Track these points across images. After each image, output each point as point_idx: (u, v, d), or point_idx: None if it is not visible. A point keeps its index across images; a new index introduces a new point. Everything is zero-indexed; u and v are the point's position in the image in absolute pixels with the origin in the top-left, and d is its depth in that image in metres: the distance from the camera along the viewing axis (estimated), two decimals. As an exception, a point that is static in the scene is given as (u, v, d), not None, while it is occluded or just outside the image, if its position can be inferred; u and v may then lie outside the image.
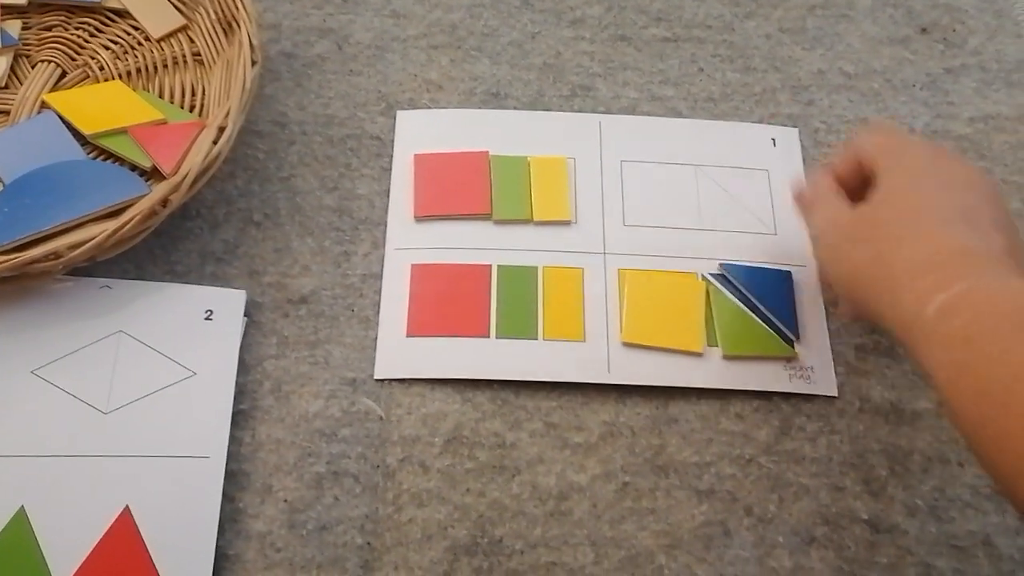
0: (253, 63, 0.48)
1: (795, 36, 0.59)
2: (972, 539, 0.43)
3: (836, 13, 0.60)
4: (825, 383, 0.47)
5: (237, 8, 0.51)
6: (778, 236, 0.51)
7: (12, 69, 0.53)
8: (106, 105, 0.51)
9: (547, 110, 0.55)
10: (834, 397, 0.47)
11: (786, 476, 0.45)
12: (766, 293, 0.49)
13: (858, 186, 0.44)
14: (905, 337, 0.37)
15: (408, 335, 0.47)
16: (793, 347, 0.48)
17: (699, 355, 0.47)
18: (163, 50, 0.54)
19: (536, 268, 0.50)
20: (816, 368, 0.47)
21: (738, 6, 0.60)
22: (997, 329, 0.34)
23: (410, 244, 0.50)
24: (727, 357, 0.47)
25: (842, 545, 0.43)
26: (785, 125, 0.55)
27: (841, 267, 0.42)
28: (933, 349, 0.35)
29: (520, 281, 0.49)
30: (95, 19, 0.55)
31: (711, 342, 0.48)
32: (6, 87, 0.53)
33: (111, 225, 0.43)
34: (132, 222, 0.43)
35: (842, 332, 0.48)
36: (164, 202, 0.45)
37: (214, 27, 0.54)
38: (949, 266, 0.37)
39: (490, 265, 0.49)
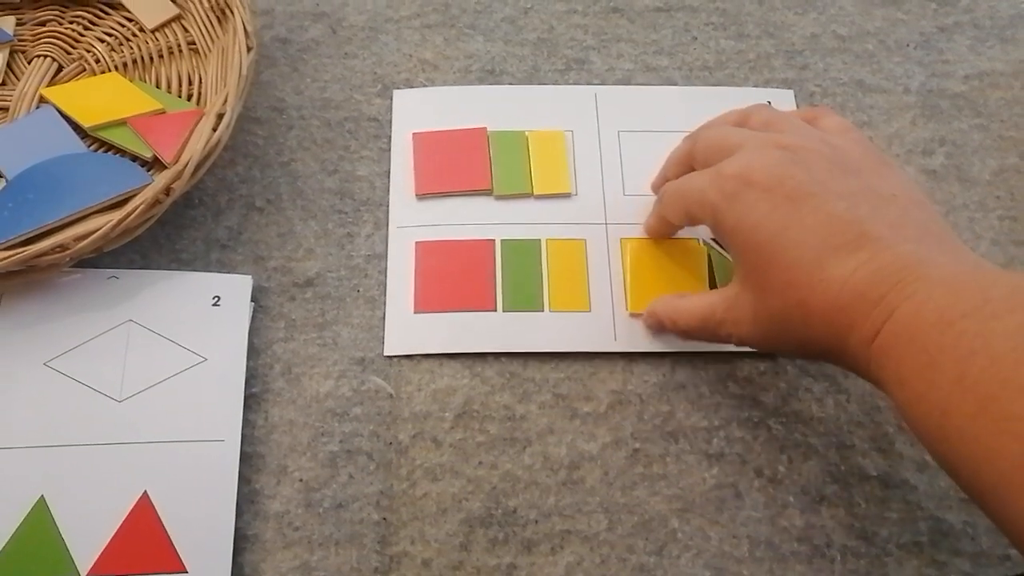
0: (248, 49, 0.49)
1: (787, 1, 0.59)
2: (981, 491, 0.44)
3: (828, -24, 0.61)
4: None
5: (230, -5, 0.51)
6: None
7: (8, 65, 0.53)
8: (104, 97, 0.51)
9: (542, 85, 0.56)
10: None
11: (794, 437, 0.45)
12: None
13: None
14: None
15: (416, 311, 0.48)
16: None
17: None
18: (158, 40, 0.54)
19: (539, 241, 0.50)
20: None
21: (729, -27, 0.61)
22: (915, 367, 0.33)
23: (413, 222, 0.50)
24: None
25: (852, 502, 0.44)
26: (780, 89, 0.56)
27: (780, 352, 0.43)
28: (887, 394, 0.36)
29: (524, 255, 0.49)
30: (89, 12, 0.55)
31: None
32: (3, 83, 0.53)
33: (116, 216, 0.43)
34: (136, 212, 0.44)
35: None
36: (167, 191, 0.45)
37: (207, 15, 0.54)
38: (861, 314, 0.35)
39: (493, 240, 0.50)
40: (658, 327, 0.47)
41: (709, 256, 0.49)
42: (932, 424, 0.33)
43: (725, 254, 0.49)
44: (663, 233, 0.49)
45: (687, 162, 0.46)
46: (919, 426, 0.34)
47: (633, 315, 0.48)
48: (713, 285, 0.49)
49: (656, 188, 0.49)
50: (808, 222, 0.37)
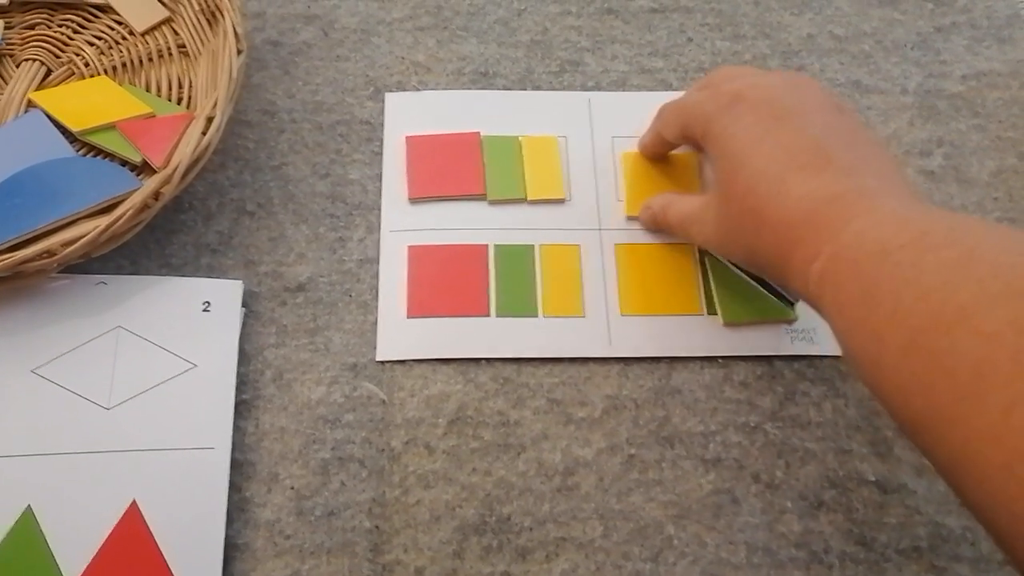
0: (239, 52, 0.48)
1: (783, 1, 0.59)
2: (980, 496, 0.43)
3: (823, -24, 0.60)
4: (828, 343, 0.47)
5: (220, -3, 0.51)
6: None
7: (-3, 69, 0.53)
8: (93, 101, 0.51)
9: (536, 87, 0.55)
10: (838, 358, 0.46)
11: (792, 441, 0.44)
12: (764, 281, 0.48)
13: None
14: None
15: (408, 316, 0.47)
16: (793, 309, 0.47)
17: (698, 317, 0.47)
18: (147, 43, 0.54)
19: (533, 246, 0.49)
20: (818, 329, 0.47)
21: (724, -26, 0.60)
22: (853, 295, 0.34)
23: (405, 226, 0.50)
24: (728, 324, 0.47)
25: (851, 507, 0.43)
26: (777, 91, 0.55)
27: (732, 258, 0.45)
28: (825, 319, 0.36)
29: (517, 260, 0.49)
30: (78, 15, 0.55)
31: (711, 311, 0.48)
32: (-8, 88, 0.52)
33: (104, 221, 0.43)
34: (125, 217, 0.43)
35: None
36: (156, 195, 0.44)
37: (198, 18, 0.53)
38: (809, 233, 0.36)
39: (487, 245, 0.49)
40: (651, 220, 0.49)
41: (703, 260, 0.49)
42: (867, 354, 0.33)
43: (722, 259, 0.49)
44: (657, 151, 0.51)
45: (659, 138, 0.50)
46: (855, 354, 0.34)
47: (626, 315, 0.47)
48: (708, 291, 0.48)
49: (641, 149, 0.52)
50: (783, 140, 0.39)
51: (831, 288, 0.35)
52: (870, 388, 0.34)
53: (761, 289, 0.48)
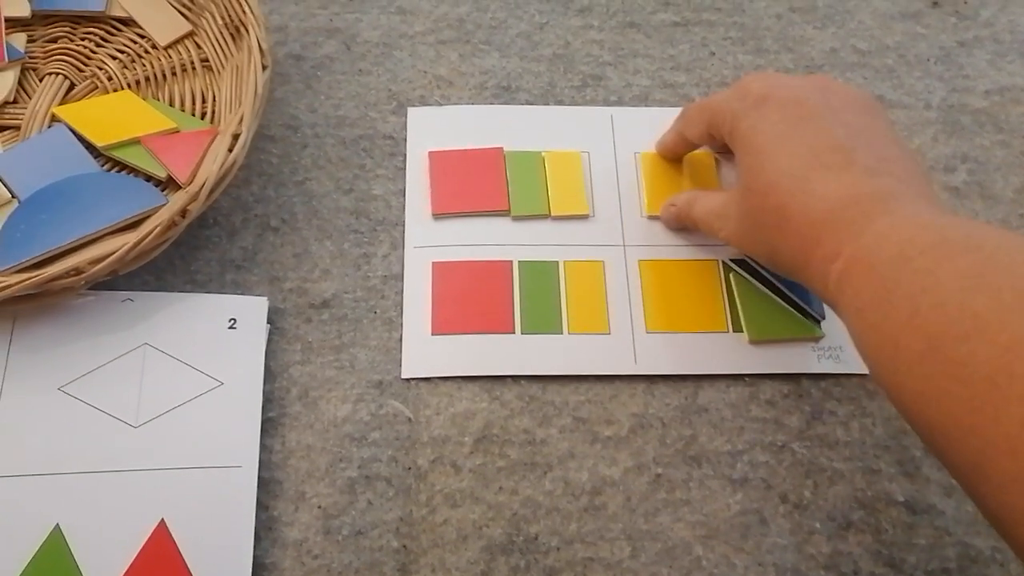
0: (264, 68, 0.48)
1: (806, 15, 0.59)
2: (1009, 516, 0.43)
3: (846, -10, 0.60)
4: (855, 361, 0.47)
5: (244, 12, 0.50)
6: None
7: (20, 83, 0.53)
8: (117, 116, 0.51)
9: (559, 101, 0.55)
10: (865, 376, 0.46)
11: (820, 461, 0.44)
12: (781, 284, 0.48)
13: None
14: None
15: (433, 333, 0.47)
16: (819, 327, 0.47)
17: (724, 335, 0.47)
18: (171, 57, 0.54)
19: (557, 263, 0.49)
20: (844, 347, 0.47)
21: (747, -13, 0.60)
22: (871, 298, 0.34)
23: (429, 242, 0.50)
24: (754, 342, 0.47)
25: (879, 528, 0.43)
26: (800, 106, 0.55)
27: (754, 255, 0.44)
28: (843, 320, 0.37)
29: (542, 276, 0.49)
30: (100, 29, 0.55)
31: (736, 328, 0.47)
32: (15, 101, 0.52)
33: (132, 238, 0.43)
34: (152, 234, 0.43)
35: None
36: (183, 213, 0.44)
37: (221, 32, 0.53)
38: (830, 232, 0.37)
39: (511, 261, 0.49)
40: (675, 217, 0.49)
41: (728, 278, 0.49)
42: (884, 356, 0.33)
43: (746, 276, 0.49)
44: (677, 152, 0.52)
45: (680, 137, 0.50)
46: (872, 356, 0.35)
47: (651, 332, 0.47)
48: (733, 307, 0.48)
49: (660, 149, 0.53)
50: (807, 139, 0.39)
51: (850, 290, 0.36)
52: (886, 392, 0.35)
53: (787, 307, 0.48)
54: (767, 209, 0.40)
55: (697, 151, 0.52)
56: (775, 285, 0.48)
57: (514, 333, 0.47)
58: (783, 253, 0.40)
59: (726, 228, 0.44)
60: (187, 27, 0.54)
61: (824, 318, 0.48)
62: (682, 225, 0.50)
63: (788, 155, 0.39)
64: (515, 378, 0.46)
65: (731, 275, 0.49)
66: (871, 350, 0.35)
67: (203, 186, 0.44)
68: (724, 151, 0.51)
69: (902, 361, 0.32)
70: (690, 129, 0.48)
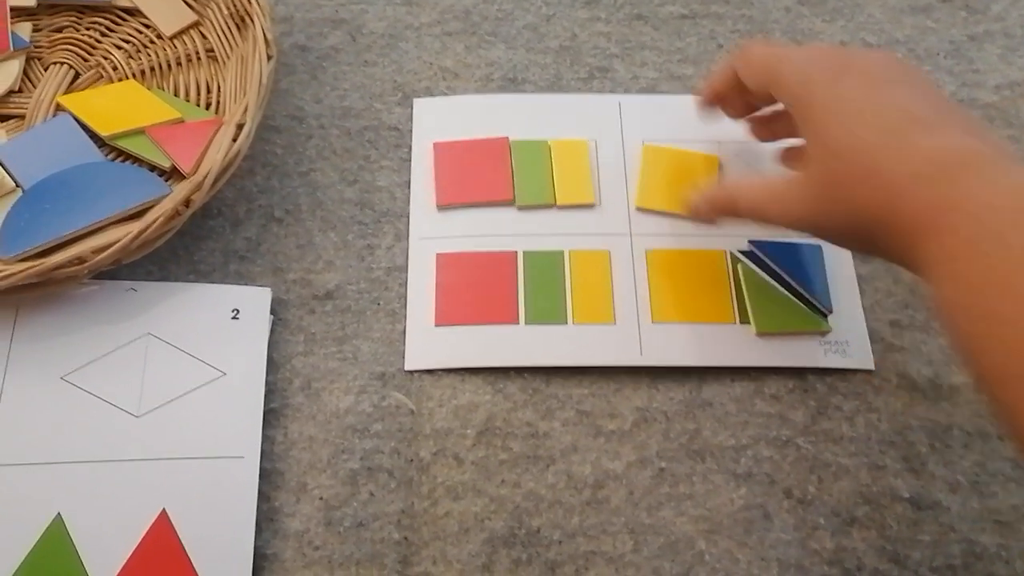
0: (269, 58, 0.48)
1: (815, 8, 0.58)
2: (1015, 514, 0.43)
3: (856, -17, 0.60)
4: (861, 356, 0.46)
5: (250, 3, 0.50)
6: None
7: (25, 72, 0.53)
8: (122, 105, 0.51)
9: (565, 93, 0.55)
10: (871, 372, 0.46)
11: (824, 456, 0.44)
12: (797, 268, 0.48)
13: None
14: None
15: (437, 324, 0.47)
16: (827, 321, 0.47)
17: (731, 326, 0.47)
18: (176, 47, 0.54)
19: (562, 252, 0.49)
20: (851, 342, 0.47)
21: (755, -21, 0.60)
22: (981, 243, 0.33)
23: (434, 233, 0.49)
24: (760, 334, 0.47)
25: (884, 524, 0.43)
26: (808, 99, 0.55)
27: (824, 228, 0.41)
28: (931, 277, 0.35)
29: (547, 266, 0.49)
30: (106, 18, 0.55)
31: (743, 319, 0.47)
32: (20, 90, 0.52)
33: (135, 227, 0.43)
34: (156, 223, 0.43)
35: (876, 308, 0.48)
36: (187, 202, 0.44)
37: (226, 22, 0.53)
38: (934, 185, 0.35)
39: (516, 251, 0.49)
40: (712, 207, 0.46)
41: (736, 268, 0.48)
42: (989, 303, 0.32)
43: (754, 268, 0.48)
44: (724, 94, 0.48)
45: (732, 79, 0.46)
46: (962, 303, 0.33)
47: (657, 323, 0.47)
48: (740, 297, 0.48)
49: (705, 95, 0.49)
50: (899, 101, 0.38)
51: (951, 241, 0.34)
52: (967, 356, 0.33)
53: (794, 299, 0.47)
54: (852, 169, 0.38)
55: (702, 149, 0.52)
56: (783, 278, 0.48)
57: (518, 324, 0.47)
58: (863, 214, 0.38)
59: (787, 211, 0.42)
60: (192, 17, 0.54)
61: (832, 311, 0.47)
62: (714, 215, 0.47)
63: (875, 114, 0.38)
64: (519, 371, 0.46)
65: (739, 266, 0.48)
66: (964, 297, 0.33)
67: (207, 176, 0.44)
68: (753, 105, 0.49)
69: (1015, 306, 0.31)
70: (748, 74, 0.44)
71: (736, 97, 0.47)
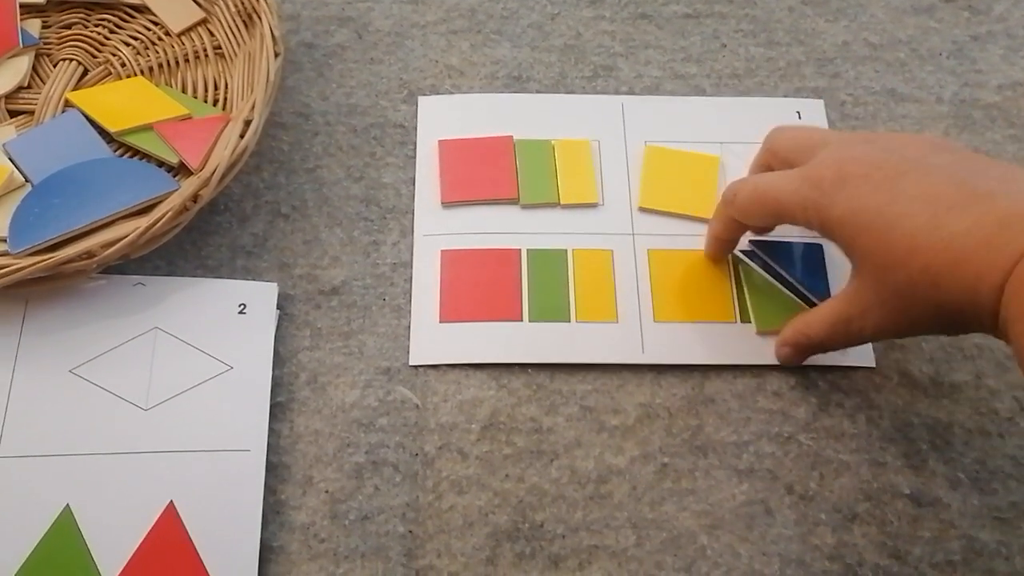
0: (276, 55, 0.48)
1: (818, 8, 0.59)
2: (1015, 510, 0.43)
3: (859, -17, 0.60)
4: (862, 354, 0.47)
5: (257, 0, 0.51)
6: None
7: (34, 68, 0.53)
8: (130, 102, 0.51)
9: (569, 92, 0.55)
10: (872, 369, 0.46)
11: (826, 453, 0.44)
12: (798, 267, 0.48)
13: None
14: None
15: (441, 321, 0.47)
16: None
17: (732, 324, 0.47)
18: (183, 44, 0.54)
19: (565, 251, 0.49)
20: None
21: (759, -21, 0.60)
22: None
23: (439, 230, 0.50)
24: (761, 333, 0.47)
25: (884, 520, 0.43)
26: (811, 98, 0.55)
27: (914, 331, 0.41)
28: (1015, 339, 0.35)
29: (550, 264, 0.49)
30: (114, 15, 0.55)
31: (744, 318, 0.48)
32: (29, 86, 0.53)
33: (143, 222, 0.43)
34: (164, 219, 0.43)
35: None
36: (194, 198, 0.45)
37: (234, 20, 0.53)
38: (988, 258, 0.35)
39: (519, 249, 0.49)
40: (792, 352, 0.45)
41: (738, 268, 0.49)
42: None
43: (755, 267, 0.49)
44: (728, 240, 0.48)
45: (734, 225, 0.46)
46: None
47: (659, 322, 0.47)
48: (741, 297, 0.48)
49: (712, 251, 0.49)
50: (913, 193, 0.38)
51: (1021, 302, 0.34)
52: None
53: (795, 298, 0.48)
54: (913, 277, 0.37)
55: (703, 151, 0.52)
56: (784, 277, 0.48)
57: (522, 321, 0.47)
58: (947, 308, 0.37)
59: (867, 325, 0.41)
60: (200, 14, 0.55)
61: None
62: (806, 358, 0.46)
63: (904, 216, 0.37)
64: (523, 366, 0.46)
65: (740, 266, 0.49)
66: None
67: (214, 172, 0.45)
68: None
69: None
70: (750, 220, 0.45)
71: (743, 232, 0.47)
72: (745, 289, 0.48)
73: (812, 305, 0.47)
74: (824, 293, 0.48)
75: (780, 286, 0.48)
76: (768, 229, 0.48)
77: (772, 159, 0.45)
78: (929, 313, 0.38)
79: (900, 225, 0.37)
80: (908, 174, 0.38)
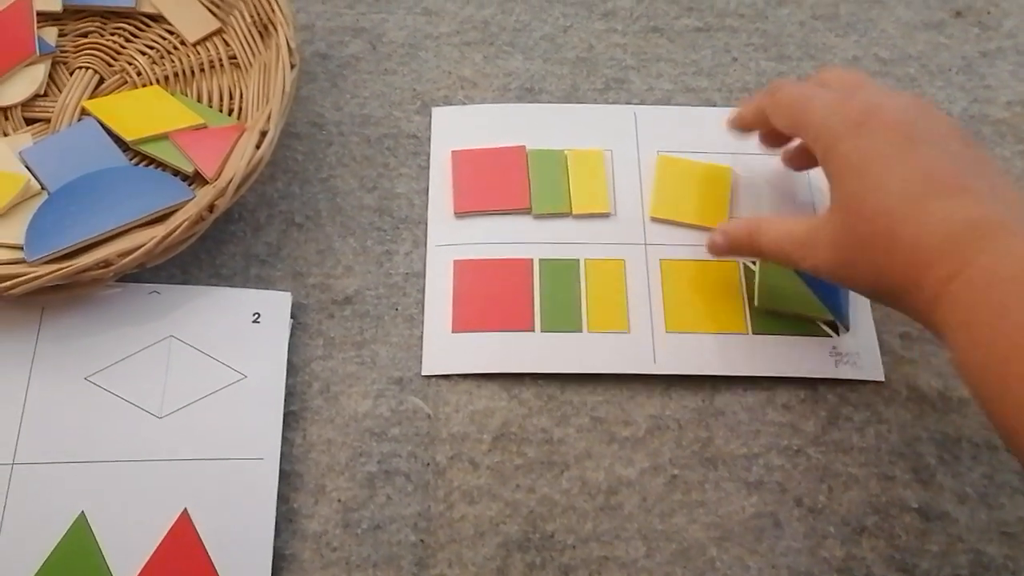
0: (292, 66, 0.49)
1: (828, 23, 0.59)
2: (1022, 525, 0.44)
3: (869, -2, 0.60)
4: (872, 368, 0.47)
5: (273, 11, 0.51)
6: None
7: (50, 76, 0.53)
8: (146, 110, 0.51)
9: (581, 104, 0.55)
10: (881, 383, 0.47)
11: (835, 466, 0.45)
12: (810, 279, 0.49)
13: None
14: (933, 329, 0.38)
15: (454, 331, 0.47)
16: (829, 311, 0.48)
17: (742, 336, 0.48)
18: (199, 54, 0.54)
19: (577, 261, 0.50)
20: (862, 353, 0.47)
21: (770, -6, 0.60)
22: (985, 318, 0.34)
23: (451, 240, 0.50)
24: (763, 309, 0.48)
25: (892, 534, 0.43)
26: (821, 113, 0.55)
27: (851, 282, 0.42)
28: (948, 343, 0.36)
29: (562, 274, 0.49)
30: (130, 24, 0.56)
31: (755, 329, 0.48)
32: (45, 95, 0.53)
33: (160, 231, 0.44)
34: (181, 228, 0.44)
35: (886, 320, 0.48)
36: (210, 208, 0.45)
37: (249, 30, 0.54)
38: (947, 254, 0.36)
39: (531, 259, 0.50)
40: (724, 244, 0.46)
41: (746, 279, 0.49)
42: (992, 375, 0.34)
43: (757, 267, 0.49)
44: (752, 126, 0.49)
45: (762, 116, 0.47)
46: (977, 374, 0.35)
47: (671, 332, 0.48)
48: (751, 306, 0.48)
49: (734, 123, 0.50)
50: (919, 164, 0.38)
51: (962, 309, 0.35)
52: (985, 410, 0.35)
53: (805, 287, 0.48)
54: (876, 234, 0.38)
55: (718, 162, 0.53)
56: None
57: (534, 331, 0.48)
58: (888, 278, 0.39)
59: (813, 257, 0.42)
60: (216, 24, 0.55)
61: (847, 328, 0.48)
62: (736, 254, 0.48)
63: (900, 179, 0.38)
64: (534, 377, 0.47)
65: (756, 274, 0.49)
66: (976, 366, 0.35)
67: (230, 182, 0.45)
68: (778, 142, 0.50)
69: (1012, 375, 0.33)
70: (776, 117, 0.45)
71: (764, 128, 0.48)
72: (754, 299, 0.49)
73: (823, 304, 0.47)
74: (837, 306, 0.48)
75: (795, 274, 0.48)
76: (783, 139, 0.48)
77: (769, 113, 0.46)
78: (871, 274, 0.40)
79: (886, 186, 0.39)
80: (922, 147, 0.39)
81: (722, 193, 0.52)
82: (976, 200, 0.37)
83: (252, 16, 0.54)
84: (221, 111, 0.53)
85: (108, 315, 0.46)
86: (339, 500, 0.43)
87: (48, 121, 0.52)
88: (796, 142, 0.49)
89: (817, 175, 0.52)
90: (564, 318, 0.48)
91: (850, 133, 0.40)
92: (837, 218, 0.41)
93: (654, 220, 0.51)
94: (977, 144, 0.41)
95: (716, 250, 0.47)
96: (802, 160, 0.50)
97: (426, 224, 0.51)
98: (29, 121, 0.52)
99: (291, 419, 0.45)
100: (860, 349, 0.47)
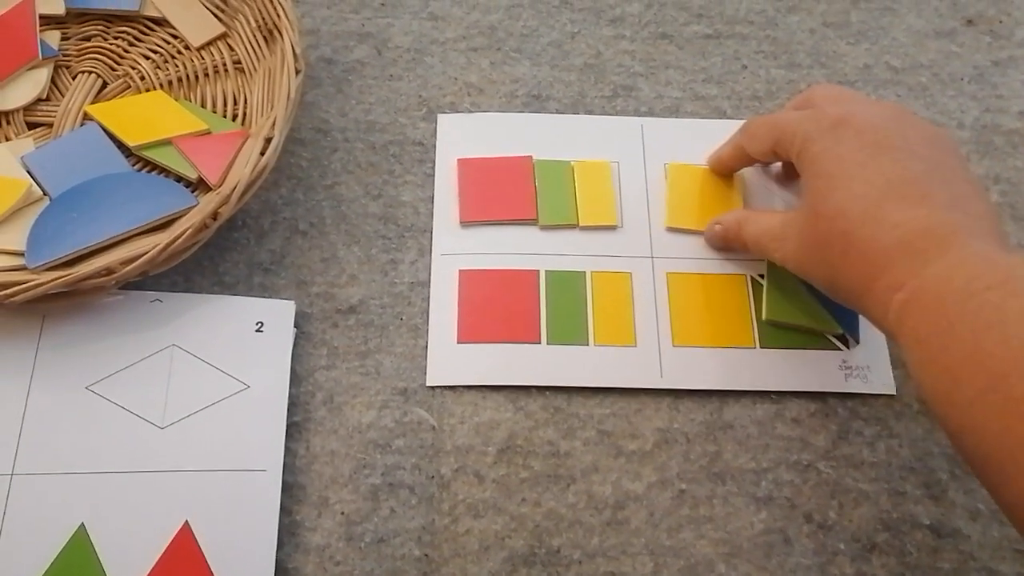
0: (297, 72, 0.48)
1: (839, 30, 0.59)
2: (1036, 543, 0.43)
3: (880, 6, 0.60)
4: (883, 382, 0.46)
5: (278, 16, 0.51)
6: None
7: (53, 80, 0.53)
8: (149, 116, 0.51)
9: (589, 111, 0.55)
10: (892, 397, 0.46)
11: (845, 482, 0.44)
12: (819, 293, 0.48)
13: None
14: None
15: (459, 341, 0.47)
16: (838, 324, 0.47)
17: (750, 350, 0.47)
18: (203, 59, 0.54)
19: (584, 273, 0.49)
20: (872, 367, 0.47)
21: (780, 0, 0.60)
22: (933, 330, 0.35)
23: (457, 249, 0.50)
24: (769, 321, 0.47)
25: (904, 551, 0.43)
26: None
27: (811, 278, 0.43)
28: (902, 349, 0.37)
29: (568, 286, 0.49)
30: (134, 28, 0.55)
31: (763, 343, 0.47)
32: (47, 99, 0.52)
33: (163, 239, 0.43)
34: (184, 235, 0.43)
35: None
36: (214, 215, 0.44)
37: (254, 35, 0.53)
38: (898, 262, 0.37)
39: (538, 271, 0.49)
40: (720, 237, 0.49)
41: (753, 292, 0.48)
42: (941, 388, 0.34)
43: (765, 279, 0.48)
44: (733, 166, 0.51)
45: (739, 152, 0.49)
46: (929, 387, 0.35)
47: (678, 347, 0.47)
48: (759, 318, 0.48)
49: (714, 166, 0.52)
50: (884, 169, 0.39)
51: (911, 320, 0.36)
52: (941, 423, 0.35)
53: (814, 299, 0.47)
54: (833, 234, 0.39)
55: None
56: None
57: (540, 343, 0.47)
58: (844, 279, 0.40)
59: (783, 250, 0.44)
60: (220, 29, 0.55)
61: (857, 341, 0.47)
62: (727, 246, 0.49)
63: (863, 182, 0.39)
64: (540, 389, 0.46)
65: (765, 287, 0.48)
66: (929, 381, 0.35)
67: (234, 189, 0.44)
68: (781, 169, 0.51)
69: (961, 394, 0.33)
70: (754, 145, 0.47)
71: (744, 164, 0.50)
72: (766, 278, 0.48)
73: (832, 317, 0.47)
74: (847, 319, 0.47)
75: (803, 287, 0.48)
76: (766, 160, 0.48)
77: (805, 107, 0.46)
78: (828, 273, 0.41)
79: (850, 188, 0.39)
80: (891, 153, 0.39)
81: (735, 201, 0.51)
82: (933, 208, 0.37)
83: (257, 21, 0.53)
84: (225, 116, 0.52)
85: (110, 323, 0.45)
86: (342, 513, 0.43)
87: (50, 126, 0.51)
88: (778, 165, 0.50)
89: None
90: (570, 330, 0.47)
91: (823, 136, 0.41)
92: (804, 215, 0.42)
93: (669, 230, 0.50)
94: (956, 154, 0.41)
95: (713, 240, 0.49)
96: (792, 175, 0.50)
97: (431, 233, 0.50)
98: (31, 125, 0.51)
99: (294, 430, 0.44)
100: (870, 362, 0.47)
